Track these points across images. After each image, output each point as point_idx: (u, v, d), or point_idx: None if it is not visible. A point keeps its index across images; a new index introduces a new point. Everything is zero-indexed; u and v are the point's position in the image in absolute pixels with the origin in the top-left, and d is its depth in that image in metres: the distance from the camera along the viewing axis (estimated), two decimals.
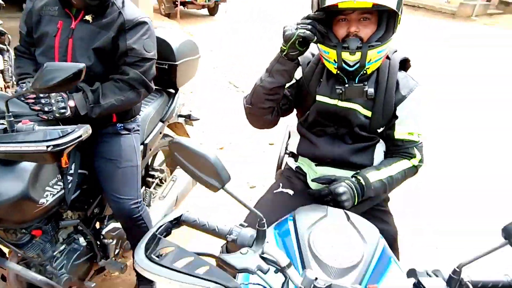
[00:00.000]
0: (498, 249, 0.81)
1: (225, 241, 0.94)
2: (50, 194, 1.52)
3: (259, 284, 0.90)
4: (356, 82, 1.31)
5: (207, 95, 5.10)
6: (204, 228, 0.94)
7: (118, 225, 1.91)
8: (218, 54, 6.98)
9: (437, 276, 0.86)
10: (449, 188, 3.34)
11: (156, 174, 2.39)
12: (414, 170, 1.44)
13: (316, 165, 1.43)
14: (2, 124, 1.22)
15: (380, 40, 1.25)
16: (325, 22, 1.28)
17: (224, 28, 9.07)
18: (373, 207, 1.45)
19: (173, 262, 0.80)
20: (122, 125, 1.79)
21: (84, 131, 1.28)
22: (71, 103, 1.52)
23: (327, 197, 1.31)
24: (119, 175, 1.73)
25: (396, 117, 1.38)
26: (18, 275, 1.55)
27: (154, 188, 2.34)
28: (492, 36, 9.80)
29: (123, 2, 1.65)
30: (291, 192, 1.46)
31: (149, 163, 2.37)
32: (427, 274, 0.86)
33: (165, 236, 0.92)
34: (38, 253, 1.58)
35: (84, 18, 1.60)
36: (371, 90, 1.28)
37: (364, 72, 1.30)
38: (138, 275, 2.08)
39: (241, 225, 0.93)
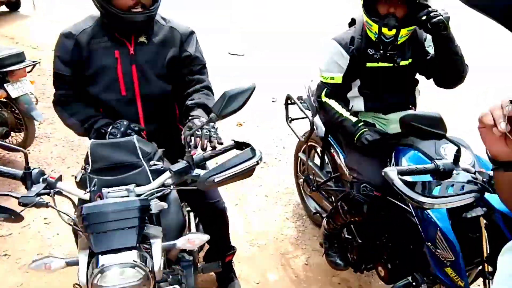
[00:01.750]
0: None
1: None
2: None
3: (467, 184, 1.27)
4: (388, 49, 1.76)
5: None
6: (412, 170, 1.27)
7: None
8: None
9: None
10: None
11: None
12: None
13: (384, 114, 1.83)
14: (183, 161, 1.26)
15: (411, 20, 1.66)
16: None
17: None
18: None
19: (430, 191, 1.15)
20: None
21: None
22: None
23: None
24: None
25: (428, 53, 1.83)
26: None
27: None
28: None
29: (162, 18, 1.66)
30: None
31: None
32: None
33: None
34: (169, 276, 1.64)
35: (139, 41, 1.57)
36: (399, 60, 1.77)
37: (396, 43, 1.73)
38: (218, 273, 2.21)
39: (437, 159, 1.31)
